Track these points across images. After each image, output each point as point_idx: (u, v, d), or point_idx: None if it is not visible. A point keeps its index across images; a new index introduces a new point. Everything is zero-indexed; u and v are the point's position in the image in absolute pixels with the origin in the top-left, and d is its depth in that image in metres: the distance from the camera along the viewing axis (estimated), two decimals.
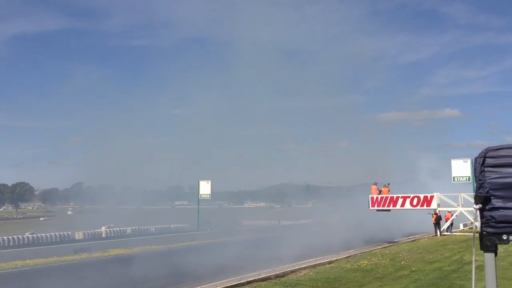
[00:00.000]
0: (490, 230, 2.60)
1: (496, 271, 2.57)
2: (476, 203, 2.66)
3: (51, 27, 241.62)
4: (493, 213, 2.59)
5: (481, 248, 2.64)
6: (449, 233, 33.72)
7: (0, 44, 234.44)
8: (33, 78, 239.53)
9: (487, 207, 2.61)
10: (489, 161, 2.63)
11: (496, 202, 2.59)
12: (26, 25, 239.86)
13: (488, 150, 2.65)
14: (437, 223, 33.27)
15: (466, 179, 37.63)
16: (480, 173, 2.65)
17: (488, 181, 2.62)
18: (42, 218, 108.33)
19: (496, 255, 2.62)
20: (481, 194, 2.62)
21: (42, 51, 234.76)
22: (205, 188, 57.35)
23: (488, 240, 2.59)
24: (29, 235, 44.10)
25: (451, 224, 34.90)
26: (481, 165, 2.65)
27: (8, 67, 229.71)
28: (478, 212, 2.64)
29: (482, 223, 2.63)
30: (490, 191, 2.60)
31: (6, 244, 39.54)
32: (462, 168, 36.75)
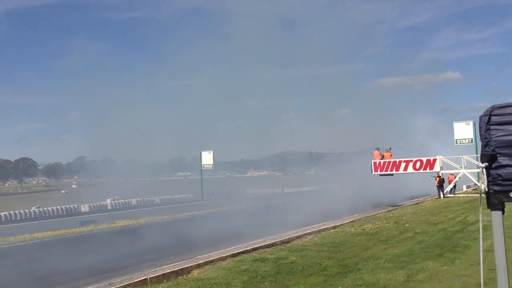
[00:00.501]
0: (497, 188, 2.60)
1: (503, 229, 2.60)
2: (482, 162, 2.65)
3: (45, 1, 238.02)
4: (500, 171, 2.60)
5: (488, 207, 2.65)
6: (452, 195, 33.94)
7: None
8: (30, 54, 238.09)
9: (493, 165, 2.61)
10: (494, 119, 2.62)
11: (503, 160, 2.59)
12: (20, 1, 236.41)
13: (493, 108, 2.63)
14: (440, 185, 33.45)
15: (469, 141, 37.69)
16: (486, 131, 2.63)
17: (494, 139, 2.61)
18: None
19: (503, 213, 2.64)
20: (487, 153, 2.61)
21: (37, 26, 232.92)
22: (207, 158, 57.58)
23: (495, 198, 2.60)
24: (36, 209, 44.56)
25: (454, 186, 35.10)
26: (486, 123, 2.64)
27: (4, 44, 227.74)
28: (484, 170, 2.64)
29: (488, 182, 2.63)
30: (496, 149, 2.59)
31: (13, 219, 40.00)
32: (465, 131, 36.74)
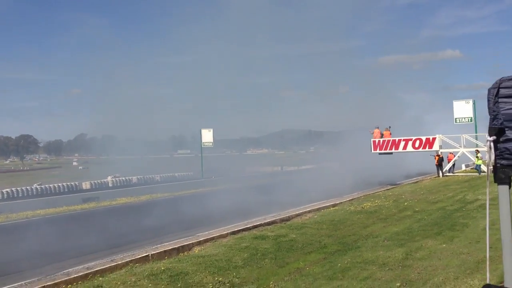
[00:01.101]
0: (504, 162, 2.58)
1: (510, 204, 2.58)
2: (490, 135, 2.62)
3: None
4: (507, 145, 2.56)
5: (495, 181, 2.63)
6: (451, 174, 34.02)
7: None
8: (31, 29, 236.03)
9: (501, 139, 2.58)
10: (503, 91, 2.58)
11: (511, 134, 2.56)
12: None
13: (502, 80, 2.59)
14: (439, 164, 33.50)
15: (468, 120, 37.64)
16: (494, 104, 2.60)
17: (502, 112, 2.57)
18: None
19: (510, 187, 2.62)
20: (495, 126, 2.58)
21: (36, 2, 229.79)
22: (207, 136, 57.61)
23: (502, 173, 2.57)
24: (37, 186, 44.77)
25: (453, 165, 35.15)
26: (495, 96, 2.60)
27: (4, 19, 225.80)
28: (492, 144, 2.61)
29: (496, 156, 2.61)
30: (505, 123, 2.56)
31: (15, 195, 40.23)
32: (464, 109, 36.67)
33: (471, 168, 36.36)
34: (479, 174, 31.52)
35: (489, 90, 2.63)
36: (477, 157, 32.58)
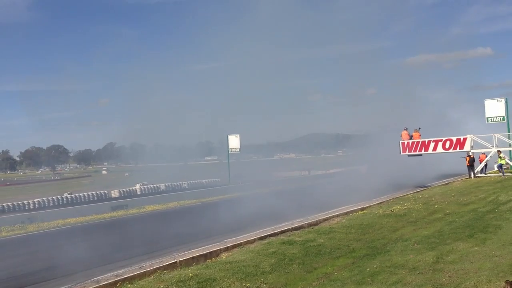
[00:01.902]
0: None
1: None
2: None
3: None
4: None
5: None
6: (483, 175, 33.22)
7: (24, 9, 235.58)
8: (60, 41, 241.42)
9: None
10: None
11: None
12: None
13: None
14: (471, 165, 32.75)
15: (500, 119, 36.68)
16: None
17: None
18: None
19: None
20: None
21: (63, 14, 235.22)
22: (234, 142, 57.74)
23: None
24: (68, 195, 45.60)
25: (485, 165, 34.31)
26: None
27: (33, 32, 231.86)
28: None
29: None
30: None
31: (46, 205, 41.06)
32: (496, 108, 35.76)
33: (505, 169, 35.47)
34: (503, 175, 30.90)
35: None
36: (500, 157, 32.00)
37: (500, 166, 32.13)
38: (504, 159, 32.20)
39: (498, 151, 32.20)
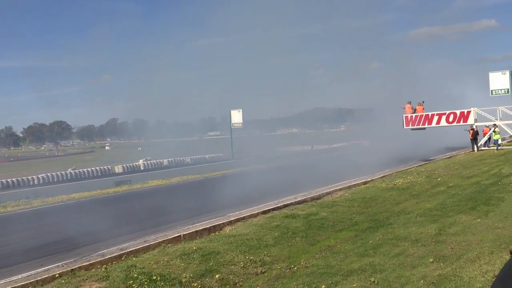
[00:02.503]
0: None
1: None
2: None
3: None
4: None
5: None
6: (486, 148, 33.16)
7: None
8: (62, 17, 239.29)
9: None
10: None
11: None
12: None
13: None
14: (474, 138, 32.66)
15: (505, 91, 36.33)
16: None
17: None
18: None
19: None
20: None
21: None
22: (237, 117, 57.53)
23: None
24: (72, 171, 45.81)
25: (489, 139, 34.21)
26: None
27: (35, 8, 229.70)
28: None
29: None
30: None
31: (51, 180, 41.26)
32: (501, 81, 35.39)
33: (508, 142, 35.39)
34: (497, 149, 30.80)
35: None
36: (494, 131, 31.77)
37: (496, 142, 31.93)
38: (499, 134, 31.94)
39: (494, 125, 32.01)
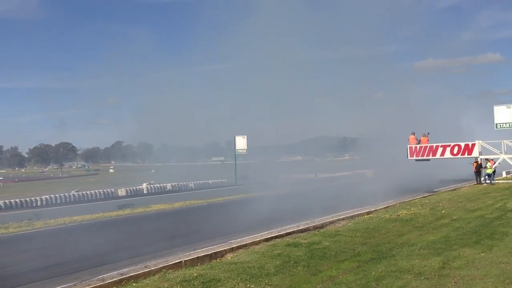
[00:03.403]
0: None
1: None
2: None
3: None
4: None
5: None
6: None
7: (35, 6, 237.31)
8: (68, 40, 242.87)
9: None
10: None
11: None
12: None
13: None
14: (478, 171, 32.57)
15: (510, 125, 36.39)
16: None
17: None
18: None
19: None
20: None
21: (75, 12, 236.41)
22: (241, 143, 57.76)
23: None
24: (75, 193, 45.82)
25: (494, 172, 34.09)
26: None
27: (43, 30, 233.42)
28: None
29: None
30: None
31: (54, 202, 41.26)
32: (506, 114, 35.45)
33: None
34: (491, 184, 30.61)
35: None
36: (485, 167, 31.58)
37: (489, 176, 31.68)
38: (491, 168, 31.66)
39: (486, 159, 31.93)
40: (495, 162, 33.60)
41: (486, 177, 31.72)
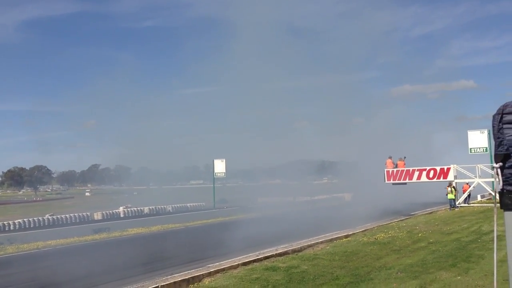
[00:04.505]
0: (510, 188, 2.52)
1: None
2: (496, 162, 2.57)
3: (63, 11, 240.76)
4: None
5: (501, 207, 2.56)
6: (466, 205, 33.51)
7: (14, 30, 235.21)
8: (47, 63, 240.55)
9: (507, 165, 2.53)
10: (507, 117, 2.54)
11: None
12: (38, 10, 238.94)
13: (505, 106, 2.55)
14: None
15: (483, 150, 37.19)
16: (499, 130, 2.56)
17: (507, 138, 2.53)
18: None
19: None
20: (500, 152, 2.53)
21: (55, 36, 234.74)
22: (220, 166, 57.62)
23: (509, 199, 2.51)
24: (49, 217, 44.86)
25: (469, 195, 34.64)
26: (499, 122, 2.56)
27: (22, 53, 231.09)
28: (499, 170, 2.56)
29: (503, 182, 2.55)
30: (510, 149, 2.51)
31: (27, 226, 40.30)
32: (479, 139, 36.29)
33: (487, 199, 35.84)
34: (450, 209, 31.14)
35: (493, 116, 2.60)
36: (450, 192, 32.08)
37: (450, 201, 32.16)
38: (452, 193, 32.13)
39: (449, 183, 32.50)
40: (469, 186, 34.20)
41: (450, 202, 32.14)
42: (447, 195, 32.97)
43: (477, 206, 32.88)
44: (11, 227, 39.61)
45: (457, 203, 32.93)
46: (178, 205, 57.66)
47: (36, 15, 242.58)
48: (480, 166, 33.71)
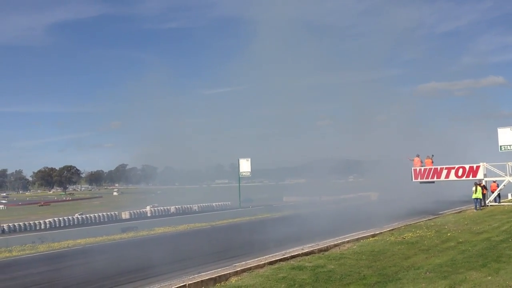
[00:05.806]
0: None
1: None
2: None
3: (89, 14, 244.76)
4: None
5: None
6: (496, 204, 32.82)
7: (41, 33, 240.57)
8: (73, 65, 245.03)
9: None
10: None
11: None
12: (64, 14, 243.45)
13: None
14: (482, 193, 32.34)
15: None
16: None
17: None
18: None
19: None
20: None
21: (80, 38, 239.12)
22: (245, 166, 57.66)
23: None
24: (79, 216, 45.66)
25: (499, 194, 33.91)
26: None
27: (48, 56, 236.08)
28: None
29: None
30: None
31: (57, 225, 41.08)
32: (509, 136, 35.44)
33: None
34: (475, 209, 29.99)
35: None
36: (474, 191, 30.75)
37: (476, 200, 30.89)
38: (476, 192, 30.86)
39: (475, 183, 31.34)
40: (497, 185, 33.47)
41: (477, 201, 30.90)
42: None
43: (508, 205, 32.17)
44: (42, 226, 40.46)
45: (487, 201, 32.27)
46: (204, 204, 58.00)
47: (63, 18, 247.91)
48: (511, 163, 32.94)
